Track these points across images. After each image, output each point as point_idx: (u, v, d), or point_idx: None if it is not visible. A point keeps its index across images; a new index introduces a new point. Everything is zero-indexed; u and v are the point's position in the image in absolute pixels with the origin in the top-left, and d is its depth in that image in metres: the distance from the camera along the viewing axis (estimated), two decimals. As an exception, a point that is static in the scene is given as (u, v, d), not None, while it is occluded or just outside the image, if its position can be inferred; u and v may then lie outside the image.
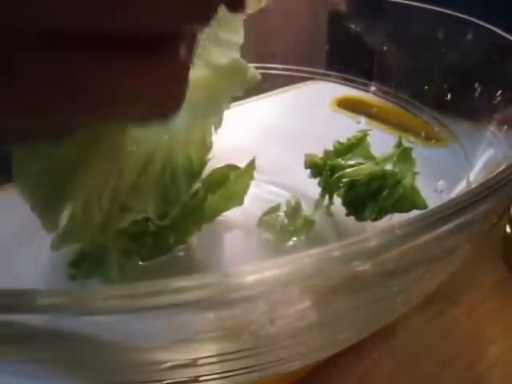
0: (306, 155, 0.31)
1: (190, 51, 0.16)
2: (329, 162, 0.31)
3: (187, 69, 0.16)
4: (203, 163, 0.26)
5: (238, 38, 0.26)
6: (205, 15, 0.15)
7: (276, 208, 0.31)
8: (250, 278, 0.14)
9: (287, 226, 0.30)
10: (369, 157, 0.31)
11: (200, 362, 0.16)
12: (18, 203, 0.21)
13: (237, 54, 0.26)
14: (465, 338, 0.27)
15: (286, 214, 0.31)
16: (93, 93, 0.15)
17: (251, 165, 0.29)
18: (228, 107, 0.26)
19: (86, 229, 0.24)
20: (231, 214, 0.30)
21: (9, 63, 0.14)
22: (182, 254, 0.26)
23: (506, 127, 0.28)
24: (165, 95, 0.16)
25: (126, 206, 0.24)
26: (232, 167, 0.29)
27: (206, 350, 0.16)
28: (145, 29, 0.14)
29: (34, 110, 0.15)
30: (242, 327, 0.16)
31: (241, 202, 0.29)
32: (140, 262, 0.26)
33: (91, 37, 0.14)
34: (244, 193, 0.29)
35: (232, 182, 0.29)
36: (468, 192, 0.16)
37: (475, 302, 0.29)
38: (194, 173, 0.26)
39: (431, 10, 0.34)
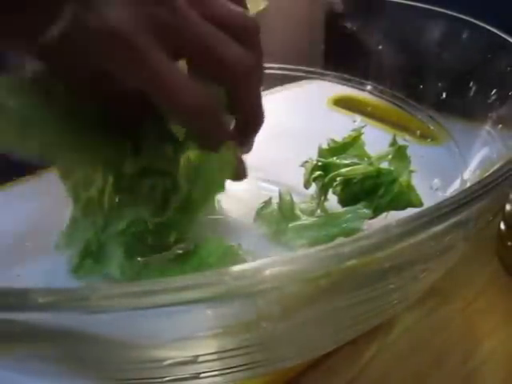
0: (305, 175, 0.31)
1: None
2: (323, 160, 0.31)
3: None
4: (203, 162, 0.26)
5: None
6: None
7: (268, 202, 0.31)
8: (250, 276, 0.14)
9: (284, 223, 0.31)
10: (363, 156, 0.31)
11: (201, 359, 0.16)
12: (19, 202, 0.21)
13: None
14: (458, 334, 0.27)
15: (280, 207, 0.31)
16: None
17: (230, 150, 0.28)
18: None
19: (87, 229, 0.25)
20: (229, 211, 0.30)
21: None
22: (181, 251, 0.27)
23: (500, 126, 0.28)
24: None
25: (124, 207, 0.24)
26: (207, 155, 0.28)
27: (207, 347, 0.16)
28: None
29: None
30: (242, 325, 0.16)
31: (232, 176, 0.28)
32: (139, 259, 0.26)
33: None
34: (232, 164, 0.28)
35: (212, 169, 0.28)
36: (464, 190, 0.16)
37: (469, 299, 0.29)
38: (192, 172, 0.26)
39: (426, 9, 0.34)
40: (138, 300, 0.13)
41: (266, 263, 0.14)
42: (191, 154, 0.27)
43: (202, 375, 0.18)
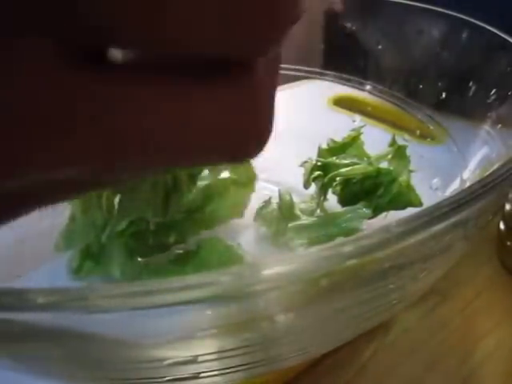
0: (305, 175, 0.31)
1: (273, 72, 0.12)
2: (322, 160, 0.31)
3: (271, 95, 0.12)
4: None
5: None
6: (280, 35, 0.11)
7: (268, 201, 0.31)
8: (249, 276, 0.14)
9: (284, 223, 0.31)
10: (363, 155, 0.31)
11: (201, 358, 0.16)
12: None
13: None
14: (458, 333, 0.27)
15: (280, 207, 0.31)
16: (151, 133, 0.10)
17: (252, 178, 0.29)
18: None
19: (87, 229, 0.25)
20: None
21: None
22: (181, 251, 0.27)
23: (500, 126, 0.28)
24: (244, 131, 0.11)
25: (124, 207, 0.24)
26: (233, 180, 0.30)
27: (207, 347, 0.16)
28: (209, 52, 0.10)
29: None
30: (242, 325, 0.16)
31: (240, 215, 0.30)
32: (140, 259, 0.26)
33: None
34: (244, 205, 0.30)
35: (233, 194, 0.29)
36: (464, 190, 0.16)
37: (468, 298, 0.29)
38: (194, 173, 0.26)
39: (426, 9, 0.34)
40: (137, 300, 0.13)
41: (266, 263, 0.14)
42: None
43: (202, 375, 0.18)
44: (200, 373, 0.18)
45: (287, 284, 0.15)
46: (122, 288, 0.13)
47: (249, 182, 0.30)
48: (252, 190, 0.30)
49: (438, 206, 0.15)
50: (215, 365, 0.17)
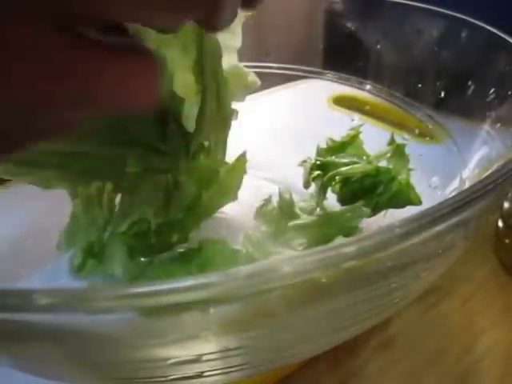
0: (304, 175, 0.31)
1: None
2: (321, 159, 0.31)
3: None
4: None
5: (237, 42, 0.26)
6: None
7: (268, 200, 0.31)
8: (252, 277, 0.14)
9: (284, 221, 0.31)
10: (362, 154, 0.31)
11: (204, 358, 0.17)
12: (21, 202, 0.21)
13: (234, 57, 0.26)
14: (456, 330, 0.28)
15: (280, 205, 0.31)
16: (92, 88, 0.15)
17: (242, 159, 0.29)
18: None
19: (89, 228, 0.25)
20: (229, 209, 0.30)
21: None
22: (182, 250, 0.27)
23: (499, 125, 0.28)
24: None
25: (125, 207, 0.24)
26: (219, 162, 0.29)
27: (211, 347, 0.17)
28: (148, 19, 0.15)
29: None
30: (245, 324, 0.16)
31: (235, 197, 0.29)
32: (142, 259, 0.26)
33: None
34: (237, 187, 0.29)
35: (223, 177, 0.29)
36: (466, 190, 0.16)
37: (467, 295, 0.30)
38: (204, 177, 0.26)
39: (425, 9, 0.34)
40: (141, 301, 0.13)
41: (268, 263, 0.14)
42: (205, 162, 0.27)
43: (206, 373, 0.18)
44: (204, 372, 0.18)
45: (289, 284, 0.15)
46: (127, 289, 0.13)
47: (238, 162, 0.29)
48: (243, 170, 0.29)
49: (439, 207, 0.15)
50: (219, 363, 0.18)
